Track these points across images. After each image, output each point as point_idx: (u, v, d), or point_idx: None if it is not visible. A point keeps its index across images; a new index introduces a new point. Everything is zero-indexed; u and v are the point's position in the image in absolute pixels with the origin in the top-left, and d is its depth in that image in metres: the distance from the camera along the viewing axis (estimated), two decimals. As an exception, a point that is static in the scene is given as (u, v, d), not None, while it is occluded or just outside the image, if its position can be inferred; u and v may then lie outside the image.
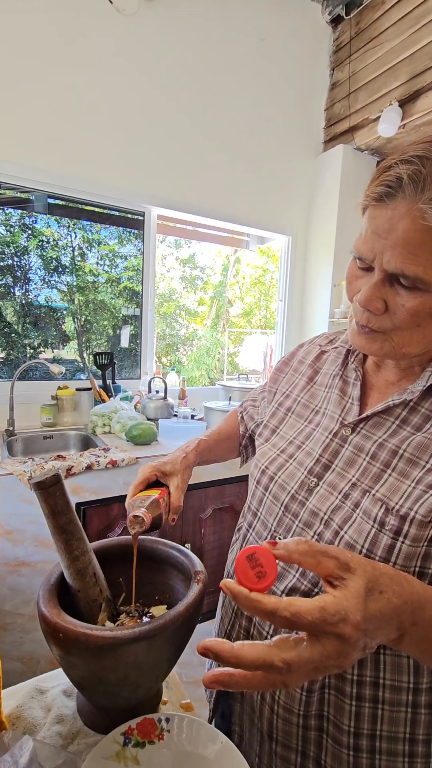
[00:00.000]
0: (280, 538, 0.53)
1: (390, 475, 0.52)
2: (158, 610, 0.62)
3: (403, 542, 0.47)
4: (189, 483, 1.91)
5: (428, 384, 0.54)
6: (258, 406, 0.88)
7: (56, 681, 0.65)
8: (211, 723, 0.70)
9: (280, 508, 0.61)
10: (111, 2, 1.89)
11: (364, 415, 0.58)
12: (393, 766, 0.52)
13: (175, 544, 0.68)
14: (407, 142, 0.47)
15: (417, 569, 0.47)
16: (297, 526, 0.58)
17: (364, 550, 0.49)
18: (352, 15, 2.41)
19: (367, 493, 0.52)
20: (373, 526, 0.49)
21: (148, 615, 0.63)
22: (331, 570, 0.35)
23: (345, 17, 2.46)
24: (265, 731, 0.58)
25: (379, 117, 2.18)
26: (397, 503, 0.49)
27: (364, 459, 0.55)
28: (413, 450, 0.51)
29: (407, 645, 0.38)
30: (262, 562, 0.36)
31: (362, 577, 0.35)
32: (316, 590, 0.53)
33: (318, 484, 0.58)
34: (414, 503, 0.48)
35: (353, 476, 0.55)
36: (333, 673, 0.40)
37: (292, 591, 0.55)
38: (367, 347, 0.53)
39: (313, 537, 0.55)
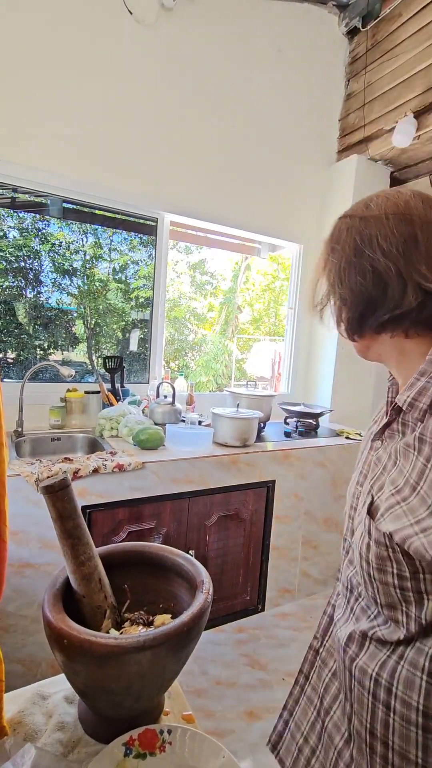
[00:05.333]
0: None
1: (382, 473, 0.59)
2: (162, 619, 0.61)
3: (370, 539, 0.55)
4: (195, 489, 1.89)
5: (405, 402, 0.56)
6: None
7: (58, 687, 0.64)
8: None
9: (348, 519, 0.70)
10: (131, 13, 1.93)
11: (380, 427, 0.64)
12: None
13: (180, 552, 0.68)
14: None
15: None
16: (352, 524, 0.67)
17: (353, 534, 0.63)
18: (368, 27, 2.43)
19: (370, 488, 0.60)
20: (365, 516, 0.57)
21: (152, 623, 0.62)
22: None
23: (361, 29, 2.48)
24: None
25: (393, 128, 2.18)
26: (376, 494, 0.57)
27: (379, 465, 0.61)
28: (395, 453, 0.58)
29: None
30: None
31: None
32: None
33: (360, 492, 0.64)
34: (382, 498, 0.56)
35: (371, 479, 0.61)
36: None
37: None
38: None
39: (349, 522, 0.68)
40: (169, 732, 0.53)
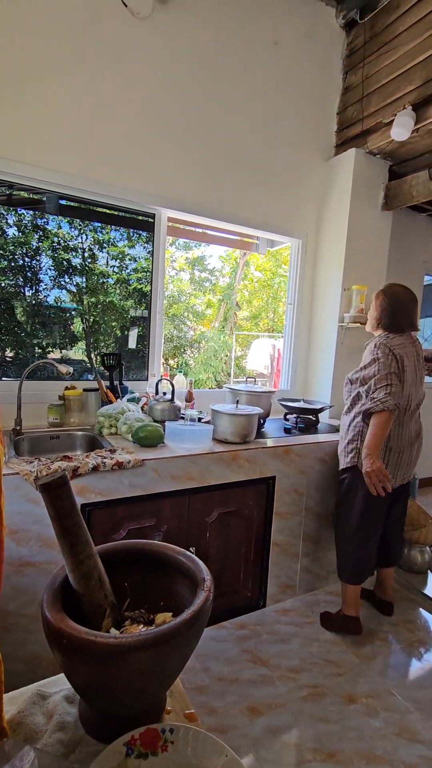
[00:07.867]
0: None
1: None
2: (163, 617, 0.61)
3: None
4: (195, 486, 1.91)
5: None
6: None
7: (58, 686, 0.63)
8: None
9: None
10: (125, 5, 1.90)
11: None
12: None
13: (181, 549, 0.67)
14: None
15: None
16: None
17: None
18: (366, 19, 2.40)
19: None
20: None
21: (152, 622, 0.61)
22: None
23: (359, 21, 2.45)
24: None
25: (392, 121, 2.16)
26: None
27: None
28: None
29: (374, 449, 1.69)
30: None
31: None
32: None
33: None
34: None
35: None
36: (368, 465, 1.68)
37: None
38: None
39: None
40: (171, 731, 0.53)
